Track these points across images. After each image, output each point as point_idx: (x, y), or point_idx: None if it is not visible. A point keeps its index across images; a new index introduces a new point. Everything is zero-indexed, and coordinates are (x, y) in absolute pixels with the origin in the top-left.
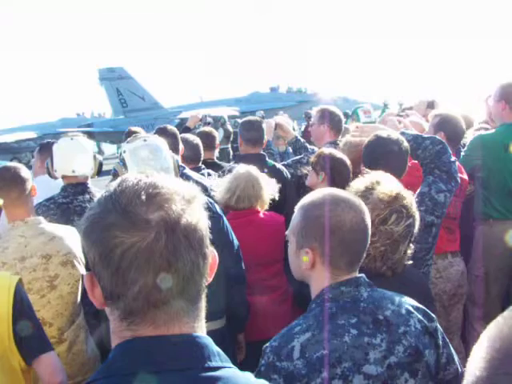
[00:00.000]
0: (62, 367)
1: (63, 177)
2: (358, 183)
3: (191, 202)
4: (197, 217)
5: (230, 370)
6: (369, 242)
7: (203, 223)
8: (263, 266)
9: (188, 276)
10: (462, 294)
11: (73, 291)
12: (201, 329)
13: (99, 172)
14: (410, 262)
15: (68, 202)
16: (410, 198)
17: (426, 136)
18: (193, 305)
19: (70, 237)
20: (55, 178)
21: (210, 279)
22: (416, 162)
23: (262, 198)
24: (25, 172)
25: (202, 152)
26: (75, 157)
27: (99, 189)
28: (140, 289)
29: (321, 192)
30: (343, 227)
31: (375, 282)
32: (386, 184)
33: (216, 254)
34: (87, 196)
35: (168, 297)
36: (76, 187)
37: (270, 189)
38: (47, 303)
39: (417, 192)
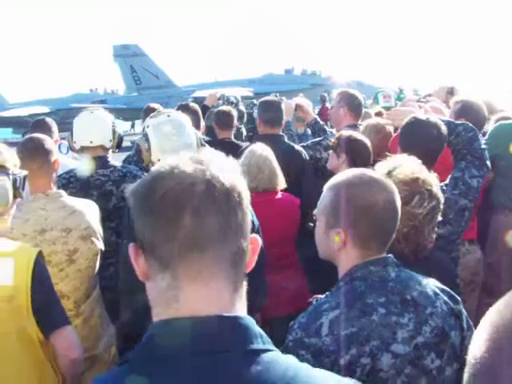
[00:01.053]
0: (78, 342)
1: (82, 148)
2: (381, 167)
3: (233, 170)
4: (236, 179)
5: (273, 353)
6: (398, 223)
7: (242, 186)
8: (277, 245)
9: (224, 226)
10: (477, 282)
11: (90, 265)
12: (242, 309)
13: (119, 145)
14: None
15: (88, 176)
16: (433, 181)
17: (458, 122)
18: (233, 268)
19: (90, 211)
20: (75, 150)
21: (250, 267)
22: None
23: (277, 178)
24: (48, 143)
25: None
26: (93, 127)
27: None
28: (180, 231)
29: (351, 172)
30: (376, 208)
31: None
32: (407, 166)
33: (260, 240)
34: (107, 170)
35: (209, 240)
36: (96, 160)
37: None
38: (65, 277)
39: (449, 176)
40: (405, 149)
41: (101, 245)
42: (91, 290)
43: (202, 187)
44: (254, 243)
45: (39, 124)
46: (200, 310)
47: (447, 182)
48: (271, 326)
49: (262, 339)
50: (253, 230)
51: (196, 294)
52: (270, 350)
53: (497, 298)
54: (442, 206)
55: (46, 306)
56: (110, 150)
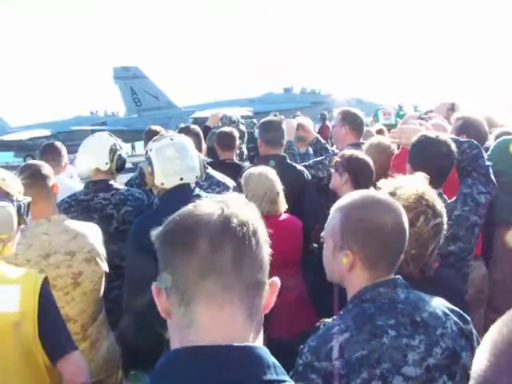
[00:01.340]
0: (85, 367)
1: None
2: (383, 188)
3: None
4: (257, 221)
5: None
6: (406, 244)
7: (262, 229)
8: (281, 267)
9: (239, 254)
10: (483, 299)
11: (96, 288)
12: (257, 338)
13: (119, 168)
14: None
15: (89, 199)
16: (436, 198)
17: (463, 139)
18: (249, 297)
19: (93, 234)
20: (82, 177)
21: (268, 307)
22: None
23: (280, 200)
24: (46, 169)
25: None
26: (89, 151)
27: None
28: (195, 256)
29: (359, 194)
30: (384, 229)
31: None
32: (410, 186)
33: (279, 282)
34: (109, 193)
35: (224, 267)
36: (97, 184)
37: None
38: (71, 300)
39: (458, 193)
40: (415, 166)
41: (105, 267)
42: (97, 313)
43: (218, 218)
44: (273, 285)
45: (49, 148)
46: (214, 336)
47: (455, 198)
48: (273, 347)
49: (275, 369)
50: None
51: (210, 319)
52: (283, 381)
53: (502, 314)
54: (445, 224)
55: (52, 332)
56: (115, 173)
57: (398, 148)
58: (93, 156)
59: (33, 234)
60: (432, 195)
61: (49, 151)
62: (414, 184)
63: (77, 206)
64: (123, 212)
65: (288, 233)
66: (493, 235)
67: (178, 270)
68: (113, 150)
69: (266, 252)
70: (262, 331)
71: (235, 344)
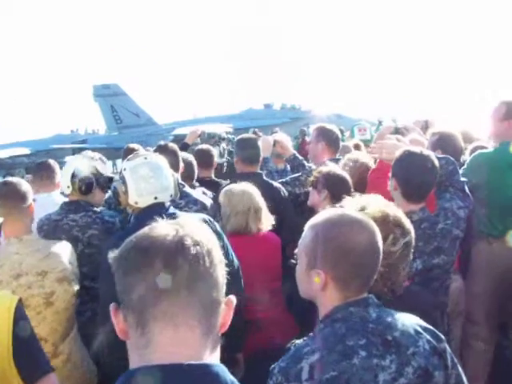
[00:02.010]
0: None
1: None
2: (348, 207)
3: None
4: (212, 242)
5: None
6: (380, 264)
7: (217, 250)
8: (261, 284)
9: (194, 274)
10: (460, 312)
11: (67, 307)
12: (214, 356)
13: (83, 190)
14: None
15: (58, 220)
16: (403, 217)
17: (440, 156)
18: (204, 316)
19: (66, 253)
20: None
21: (225, 326)
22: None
23: (261, 216)
24: (24, 187)
25: (196, 170)
26: (66, 173)
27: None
28: (150, 277)
29: (333, 212)
30: (357, 250)
31: None
32: (376, 205)
33: (234, 300)
34: (78, 214)
35: (178, 286)
36: (70, 205)
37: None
38: (43, 319)
39: (438, 207)
40: (400, 181)
41: (77, 286)
42: (69, 330)
43: (173, 239)
44: (228, 303)
45: (42, 166)
46: (171, 356)
47: (436, 212)
48: (253, 362)
49: None
50: (232, 271)
51: (167, 339)
52: None
53: (480, 327)
54: (413, 242)
55: (28, 355)
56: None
57: (375, 162)
58: (65, 180)
59: (4, 253)
60: (399, 214)
61: (42, 168)
62: (379, 203)
63: (48, 226)
64: (89, 235)
65: (269, 249)
66: (470, 248)
67: (134, 291)
68: (74, 175)
69: (221, 271)
70: (218, 348)
71: (192, 363)
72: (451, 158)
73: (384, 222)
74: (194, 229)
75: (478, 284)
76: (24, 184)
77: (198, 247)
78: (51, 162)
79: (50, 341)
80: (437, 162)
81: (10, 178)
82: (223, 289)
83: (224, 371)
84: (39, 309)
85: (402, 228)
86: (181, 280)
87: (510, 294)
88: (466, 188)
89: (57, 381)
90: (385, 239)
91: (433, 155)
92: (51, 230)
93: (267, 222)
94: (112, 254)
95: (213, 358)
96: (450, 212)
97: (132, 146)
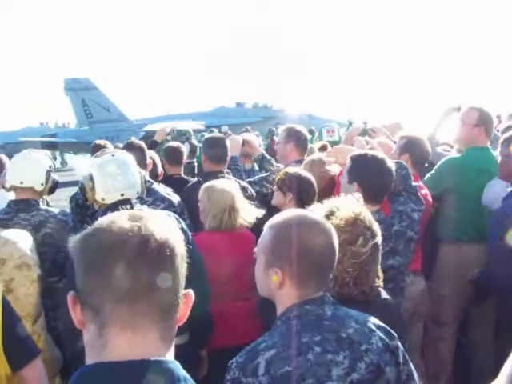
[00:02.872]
0: (45, 372)
1: (13, 188)
2: (320, 209)
3: (171, 227)
4: (172, 237)
5: None
6: (336, 263)
7: (180, 248)
8: (233, 281)
9: (155, 279)
10: (421, 313)
11: (29, 293)
12: (169, 354)
13: (52, 190)
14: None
15: (8, 219)
16: (371, 219)
17: (393, 160)
18: (162, 319)
19: (24, 240)
20: (6, 188)
21: (182, 320)
22: None
23: (240, 213)
24: None
25: (160, 168)
26: (26, 168)
27: (64, 198)
28: (111, 282)
29: (292, 213)
30: (314, 250)
31: (348, 307)
32: (347, 208)
33: (192, 295)
34: (30, 213)
35: (139, 292)
36: (19, 204)
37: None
38: (26, 303)
39: (392, 210)
40: (362, 184)
41: (38, 271)
42: (36, 318)
43: (135, 241)
44: (187, 298)
45: None
46: (128, 357)
47: (391, 215)
48: (222, 356)
49: (185, 382)
50: (194, 263)
51: (124, 342)
52: None
53: (445, 328)
54: (380, 245)
55: (18, 340)
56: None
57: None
58: (29, 174)
59: None
60: (368, 216)
61: None
62: (350, 205)
63: None
64: (42, 234)
65: (242, 247)
66: (436, 251)
67: (94, 292)
68: (48, 172)
69: (183, 270)
70: (173, 346)
71: (146, 358)
72: (404, 163)
73: (355, 224)
74: (157, 225)
75: (447, 287)
76: None
77: (161, 250)
78: (2, 156)
79: None
80: (393, 166)
81: None
82: (182, 288)
83: (177, 367)
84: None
85: (371, 230)
86: (142, 287)
87: (473, 296)
88: (419, 192)
89: (42, 365)
90: (355, 241)
91: (387, 158)
92: (1, 228)
93: (247, 219)
94: (72, 244)
95: (167, 356)
96: (405, 215)
97: (99, 142)
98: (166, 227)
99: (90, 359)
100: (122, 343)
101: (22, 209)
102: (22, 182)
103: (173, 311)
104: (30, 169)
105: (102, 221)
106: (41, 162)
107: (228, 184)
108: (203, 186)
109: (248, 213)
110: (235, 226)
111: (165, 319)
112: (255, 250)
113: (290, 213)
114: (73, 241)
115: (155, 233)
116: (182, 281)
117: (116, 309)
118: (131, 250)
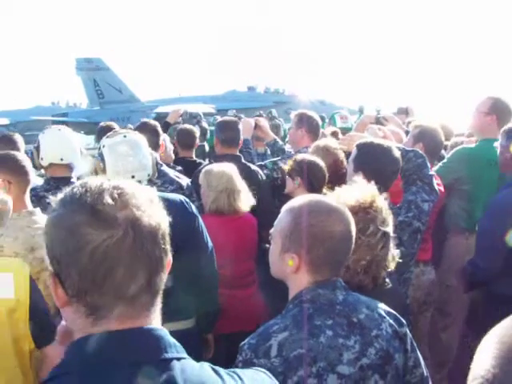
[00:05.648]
0: None
1: (50, 165)
2: (334, 194)
3: (153, 202)
4: (159, 215)
5: (186, 361)
6: (351, 252)
7: (165, 221)
8: (236, 263)
9: (154, 271)
10: (430, 303)
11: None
12: (156, 320)
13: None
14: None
15: (48, 196)
16: (384, 207)
17: (409, 148)
18: (155, 299)
19: None
20: (40, 167)
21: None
22: None
23: (240, 197)
24: (27, 163)
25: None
26: (63, 145)
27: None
28: (109, 285)
29: (312, 198)
30: (333, 238)
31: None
32: (358, 195)
33: (170, 260)
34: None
35: (137, 292)
36: (60, 181)
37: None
38: (49, 294)
39: (402, 199)
40: (366, 170)
41: None
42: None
43: (129, 240)
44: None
45: (4, 140)
46: (125, 324)
47: (400, 204)
48: (228, 341)
49: (176, 348)
50: (206, 253)
51: (122, 311)
52: (184, 358)
53: (452, 319)
54: (391, 233)
55: (43, 318)
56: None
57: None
58: (68, 151)
59: (16, 226)
60: (381, 204)
61: (4, 142)
62: (364, 192)
63: (37, 202)
64: None
65: (245, 231)
66: (445, 242)
67: (90, 292)
68: (80, 150)
69: (169, 252)
70: (159, 308)
71: (134, 327)
72: (420, 152)
73: (366, 211)
74: (149, 210)
75: (454, 277)
76: (25, 158)
77: (154, 242)
78: (16, 136)
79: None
80: (398, 154)
81: (11, 152)
82: (167, 270)
83: (167, 334)
84: (48, 283)
85: (383, 218)
86: (140, 287)
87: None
88: (435, 182)
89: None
90: (366, 229)
91: (394, 147)
92: (42, 207)
93: (246, 202)
94: (57, 234)
95: (154, 323)
96: (414, 205)
97: (106, 123)
98: (156, 210)
99: (78, 333)
100: (117, 328)
101: (62, 186)
102: (62, 159)
103: (161, 294)
104: (67, 145)
105: (87, 212)
106: (73, 138)
107: (227, 167)
108: (203, 170)
109: (248, 196)
110: (235, 209)
111: (155, 302)
112: (271, 231)
113: (309, 197)
114: (55, 223)
115: (145, 220)
116: (170, 260)
117: (114, 306)
118: (126, 252)
